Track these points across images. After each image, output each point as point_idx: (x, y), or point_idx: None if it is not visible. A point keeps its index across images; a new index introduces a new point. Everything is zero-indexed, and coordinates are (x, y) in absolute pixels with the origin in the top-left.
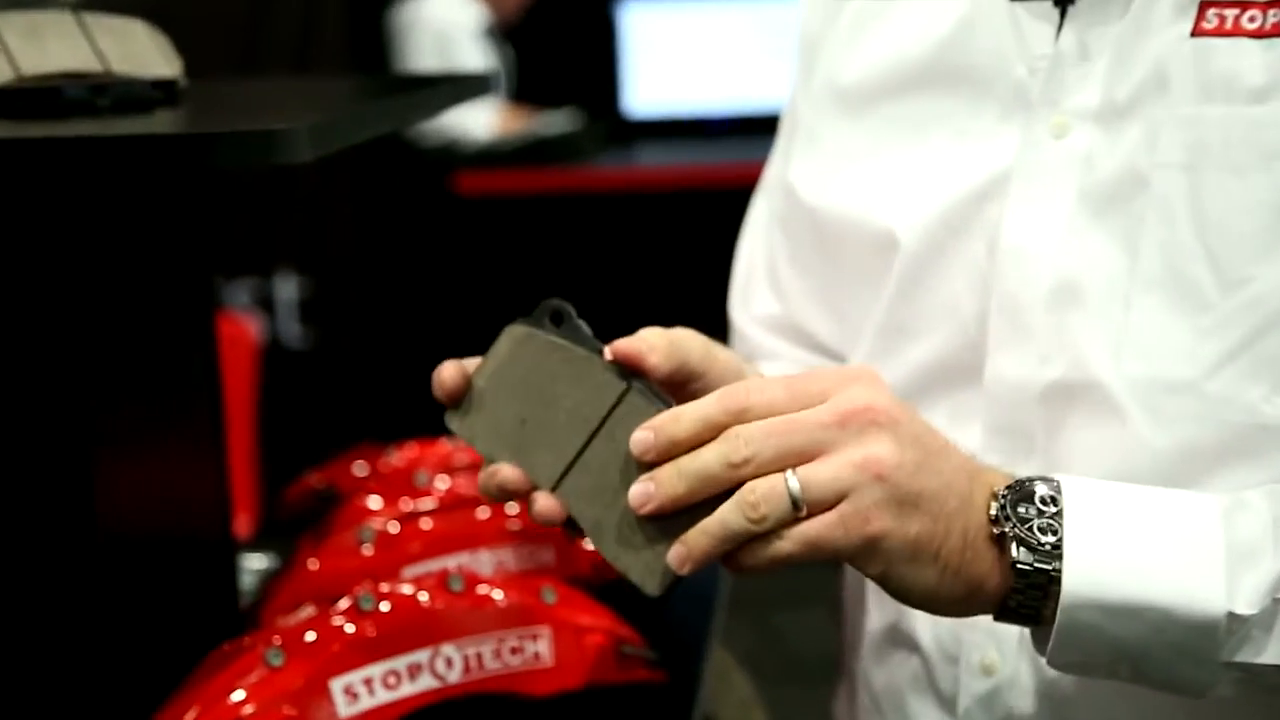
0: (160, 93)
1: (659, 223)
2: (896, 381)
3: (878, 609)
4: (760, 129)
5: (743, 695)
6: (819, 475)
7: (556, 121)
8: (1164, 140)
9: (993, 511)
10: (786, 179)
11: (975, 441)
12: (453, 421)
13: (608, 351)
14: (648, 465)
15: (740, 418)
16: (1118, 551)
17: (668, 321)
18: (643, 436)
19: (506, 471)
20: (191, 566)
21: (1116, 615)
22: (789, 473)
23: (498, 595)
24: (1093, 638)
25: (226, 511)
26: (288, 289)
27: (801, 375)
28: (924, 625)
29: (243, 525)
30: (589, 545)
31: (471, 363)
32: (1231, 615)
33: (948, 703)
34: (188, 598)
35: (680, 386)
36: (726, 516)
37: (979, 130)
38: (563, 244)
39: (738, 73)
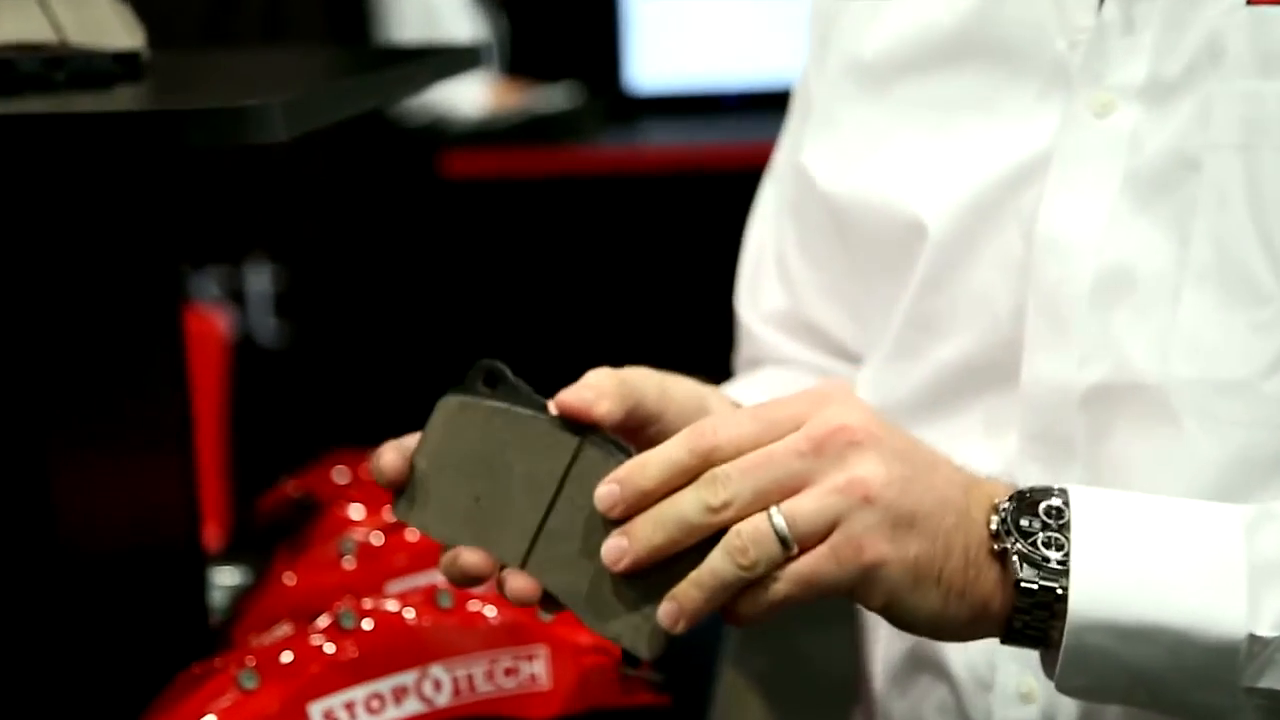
0: (121, 66)
1: (664, 207)
2: (922, 384)
3: (898, 632)
4: (775, 105)
5: None
6: (804, 508)
7: (553, 98)
8: (1218, 118)
9: (993, 525)
10: (799, 163)
11: (1011, 450)
12: (400, 511)
13: (552, 407)
14: (618, 521)
15: (709, 458)
16: (1130, 568)
17: (673, 316)
18: (608, 491)
19: (468, 556)
20: (157, 582)
21: (1129, 638)
22: (773, 510)
23: (490, 612)
24: (1104, 662)
25: (195, 522)
26: (260, 280)
27: (769, 403)
28: (954, 650)
29: (213, 537)
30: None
31: (411, 441)
32: (1253, 638)
33: None
34: (153, 615)
35: (637, 431)
36: (716, 565)
37: (1014, 109)
38: (559, 230)
39: (749, 45)
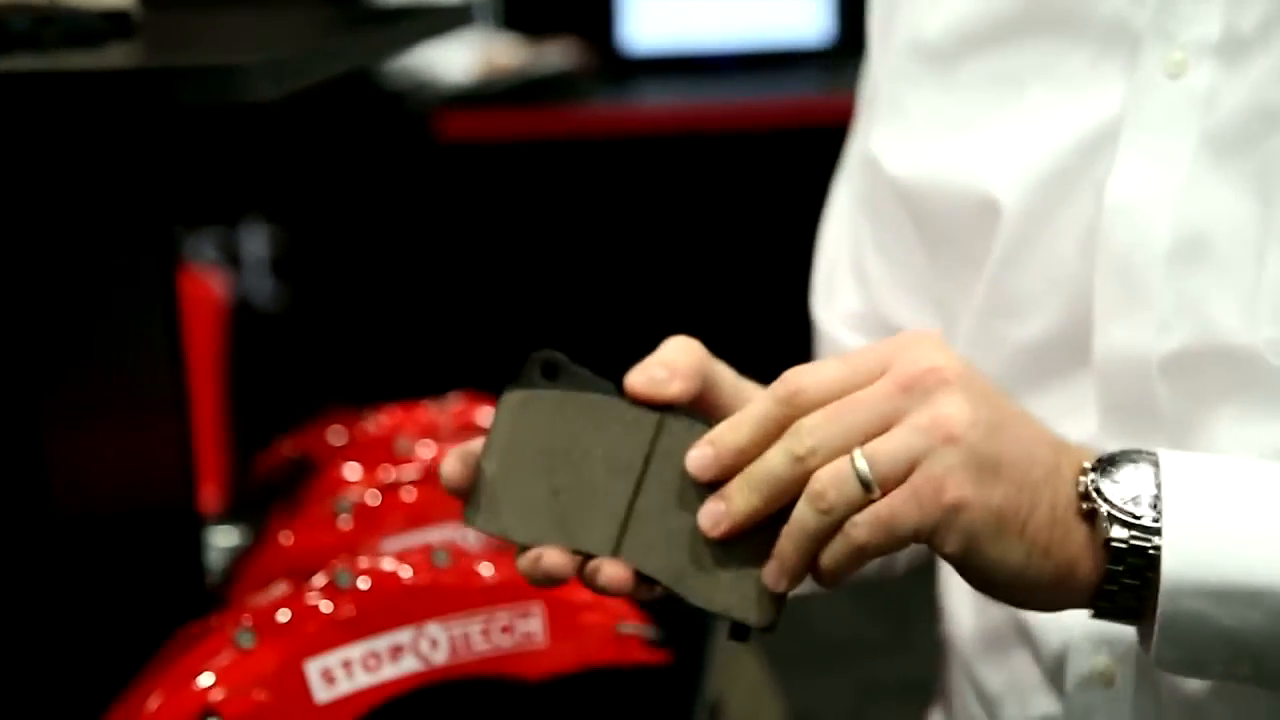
0: (111, 24)
1: (661, 168)
2: (1000, 371)
3: (990, 604)
4: (775, 65)
5: (753, 679)
6: (885, 448)
7: (548, 58)
8: None
9: (1082, 486)
10: (868, 152)
11: (1091, 427)
12: (473, 519)
13: (623, 388)
14: (710, 489)
15: (795, 403)
16: (1225, 528)
17: (672, 278)
18: (700, 454)
19: (552, 556)
20: (154, 543)
21: (1227, 601)
22: (855, 452)
23: (486, 570)
24: (1201, 629)
25: (191, 483)
26: (256, 242)
27: (859, 350)
28: (1036, 623)
29: (209, 498)
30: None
31: (475, 446)
32: None
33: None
34: (150, 576)
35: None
36: (800, 514)
37: (1082, 76)
38: (555, 193)
39: (747, 3)
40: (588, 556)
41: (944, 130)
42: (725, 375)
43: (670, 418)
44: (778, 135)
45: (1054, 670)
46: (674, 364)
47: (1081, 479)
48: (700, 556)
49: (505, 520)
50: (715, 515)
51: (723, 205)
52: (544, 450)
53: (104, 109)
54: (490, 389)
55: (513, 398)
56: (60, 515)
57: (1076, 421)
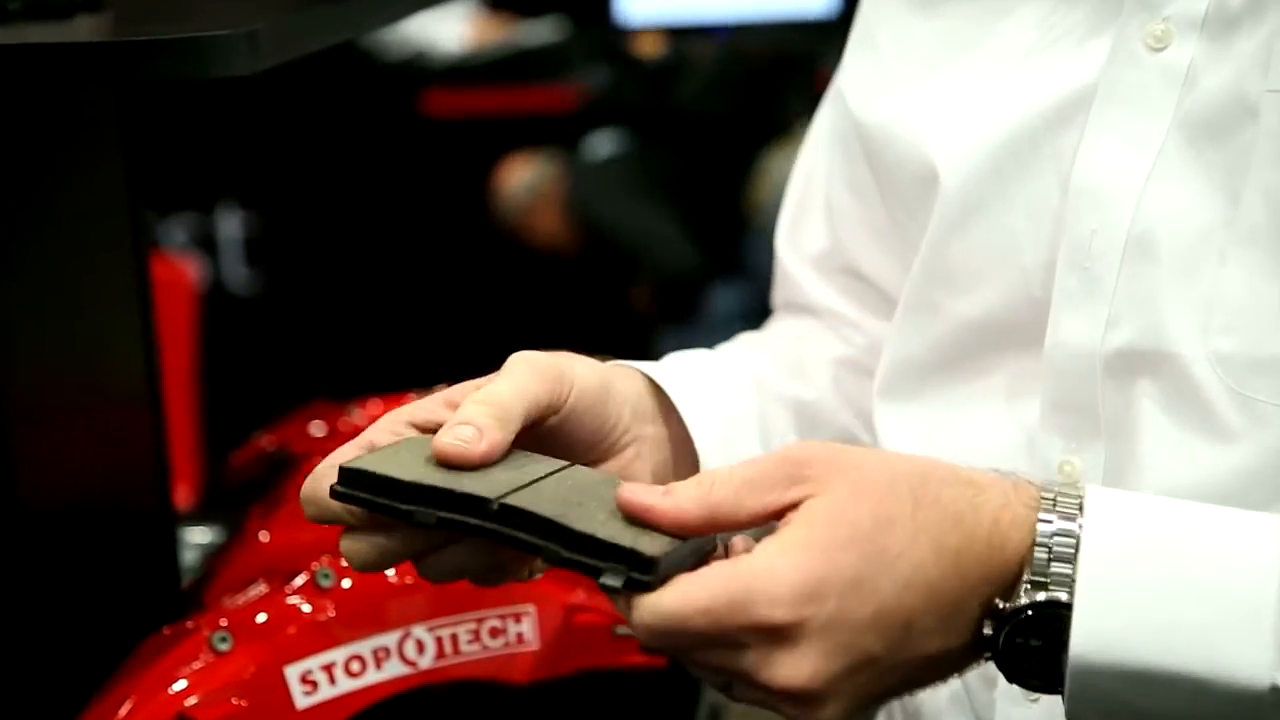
0: None
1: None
2: (941, 341)
3: None
4: (777, 36)
5: None
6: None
7: (539, 32)
8: None
9: (986, 630)
10: (839, 85)
11: (1033, 420)
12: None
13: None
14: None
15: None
16: (1139, 606)
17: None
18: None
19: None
20: (126, 542)
21: (1139, 684)
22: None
23: None
24: (1114, 707)
25: (165, 480)
26: (231, 226)
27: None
28: None
29: (184, 495)
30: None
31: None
32: (1277, 689)
33: None
34: (122, 577)
35: (535, 427)
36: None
37: (1060, 39)
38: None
39: None
40: (455, 513)
41: (910, 75)
42: (585, 379)
43: (578, 468)
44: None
45: (977, 689)
46: (481, 419)
47: (987, 625)
48: (590, 509)
49: (373, 461)
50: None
51: (722, 184)
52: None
53: (73, 84)
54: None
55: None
56: (27, 514)
57: (1018, 407)
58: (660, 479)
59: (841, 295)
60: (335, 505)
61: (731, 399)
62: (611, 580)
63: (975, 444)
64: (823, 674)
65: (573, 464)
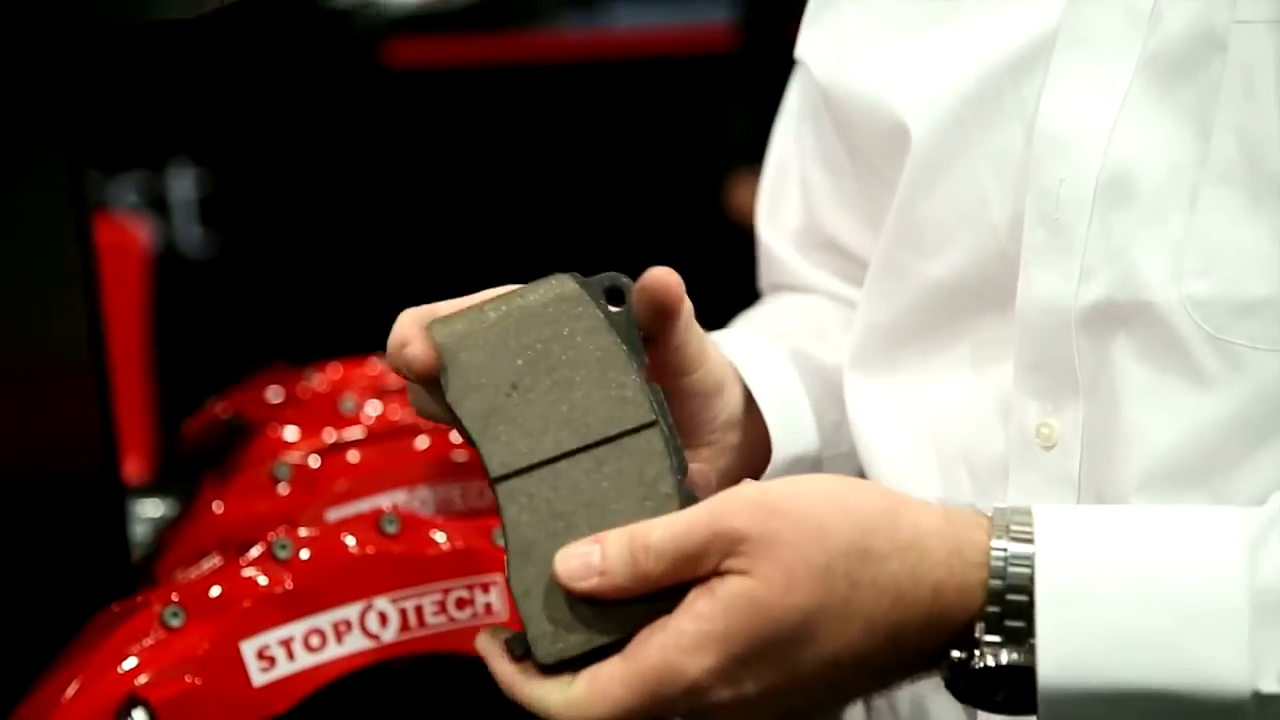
0: None
1: (631, 95)
2: (909, 307)
3: None
4: None
5: None
6: None
7: None
8: None
9: (944, 675)
10: (799, 56)
11: (1005, 383)
12: (438, 329)
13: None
14: (624, 508)
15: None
16: (1104, 625)
17: (640, 212)
18: (580, 566)
19: (417, 345)
20: (72, 516)
21: (1116, 704)
22: None
23: (440, 538)
24: None
25: (113, 451)
26: (183, 185)
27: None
28: None
29: (136, 466)
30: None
31: (452, 305)
32: (1260, 696)
33: (969, 709)
34: (68, 553)
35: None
36: None
37: None
38: (517, 124)
39: None
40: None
41: (873, 36)
42: (714, 359)
43: (660, 429)
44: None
45: None
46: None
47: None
48: (554, 551)
49: (454, 356)
50: (585, 564)
51: (695, 132)
52: (540, 349)
53: (4, 27)
54: None
55: (567, 285)
56: None
57: (989, 372)
58: (726, 479)
59: (828, 272)
60: (401, 364)
61: (793, 387)
62: (513, 645)
63: (948, 413)
64: None
65: (650, 423)
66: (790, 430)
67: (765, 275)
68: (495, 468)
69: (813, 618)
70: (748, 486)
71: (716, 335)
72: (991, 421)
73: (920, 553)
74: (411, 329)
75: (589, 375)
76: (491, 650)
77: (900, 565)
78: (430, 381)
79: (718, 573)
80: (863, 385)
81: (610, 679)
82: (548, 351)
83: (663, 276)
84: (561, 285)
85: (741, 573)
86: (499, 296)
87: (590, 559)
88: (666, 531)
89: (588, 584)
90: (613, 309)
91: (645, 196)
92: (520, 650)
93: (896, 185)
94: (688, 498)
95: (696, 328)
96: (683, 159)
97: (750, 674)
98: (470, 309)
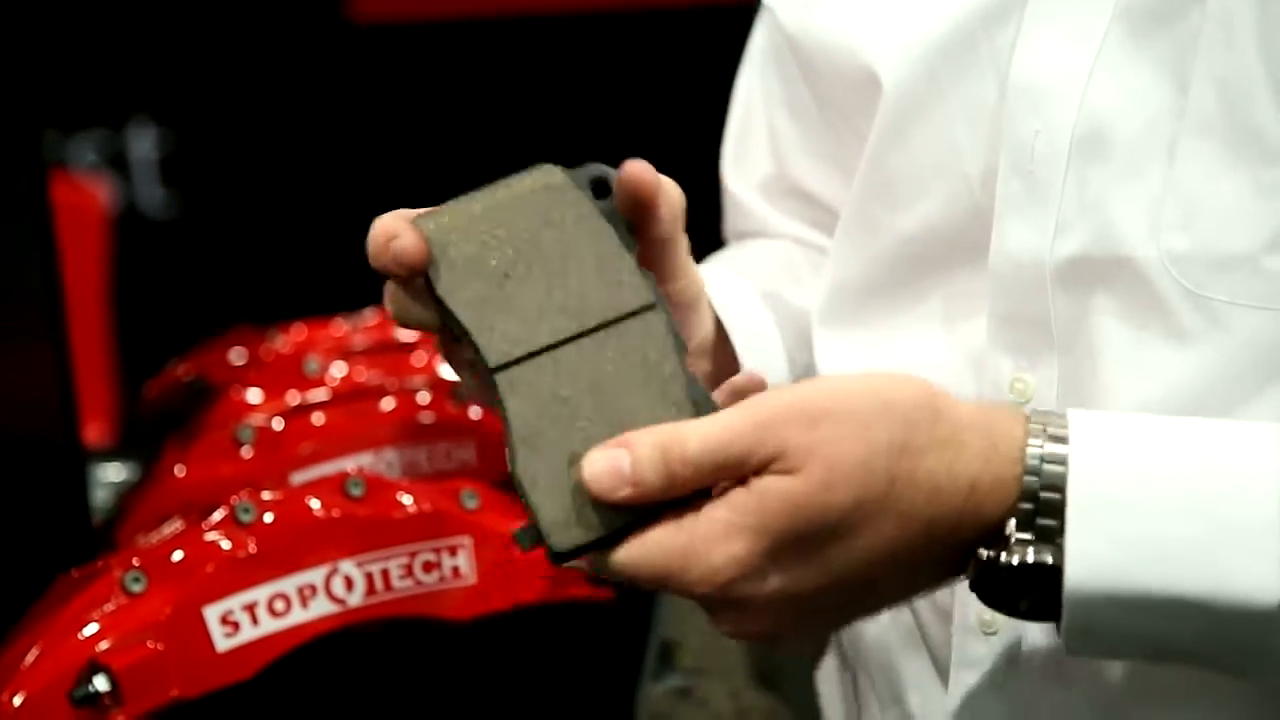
0: None
1: (620, 53)
2: (879, 261)
3: None
4: None
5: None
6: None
7: None
8: None
9: (968, 575)
10: (765, 1)
11: (979, 339)
12: (423, 222)
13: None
14: (636, 391)
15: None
16: (1134, 529)
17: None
18: (613, 469)
19: (406, 238)
20: (31, 481)
21: (1139, 610)
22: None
23: (407, 501)
24: (1115, 634)
25: (72, 414)
26: (144, 144)
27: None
28: None
29: (97, 430)
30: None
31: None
32: None
33: (940, 668)
34: (27, 518)
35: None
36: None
37: None
38: (491, 83)
39: None
40: (471, 346)
41: None
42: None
43: (658, 310)
44: (748, 10)
45: (933, 622)
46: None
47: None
48: (564, 443)
49: (442, 249)
50: (616, 473)
51: (676, 86)
52: (530, 238)
53: None
54: None
55: (554, 175)
56: None
57: (961, 328)
58: None
59: (796, 219)
60: (388, 259)
61: (765, 326)
62: (522, 540)
63: (920, 368)
64: (770, 628)
65: (649, 305)
66: (761, 366)
67: (731, 224)
68: (494, 357)
69: (849, 514)
70: (786, 390)
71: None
72: (964, 377)
73: (958, 448)
74: (397, 222)
75: (583, 261)
76: None
77: (938, 460)
78: (414, 279)
79: (757, 473)
80: (832, 339)
81: (629, 551)
82: (539, 240)
83: (637, 167)
84: (548, 175)
85: (783, 473)
86: (485, 189)
87: (620, 468)
88: (705, 443)
89: (620, 494)
90: (599, 201)
91: (617, 150)
92: (531, 541)
93: (867, 135)
94: (691, 379)
95: (683, 235)
96: (687, 126)
97: (778, 568)
98: (455, 202)
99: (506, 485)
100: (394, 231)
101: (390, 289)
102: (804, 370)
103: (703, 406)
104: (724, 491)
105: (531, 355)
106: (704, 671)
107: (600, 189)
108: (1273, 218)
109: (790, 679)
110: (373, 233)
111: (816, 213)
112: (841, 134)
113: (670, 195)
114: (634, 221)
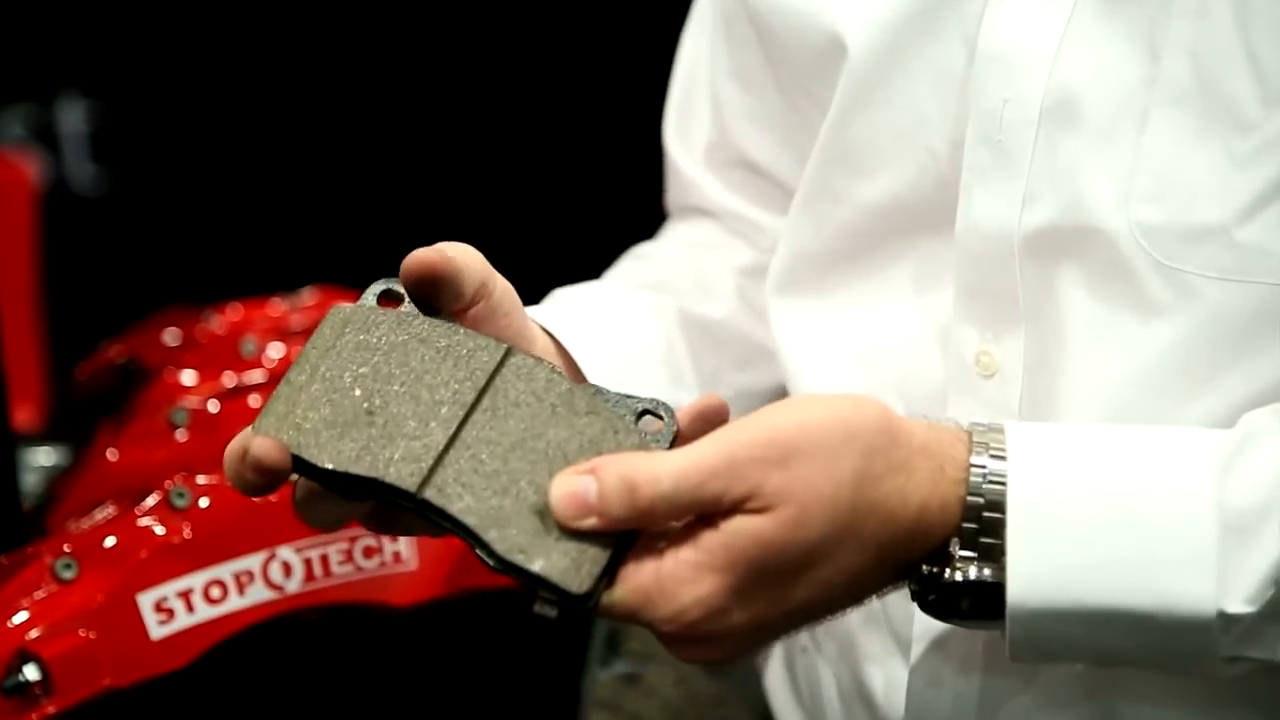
0: None
1: (567, 27)
2: (841, 231)
3: None
4: None
5: None
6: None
7: None
8: None
9: (912, 587)
10: None
11: (944, 310)
12: (263, 424)
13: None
14: (553, 435)
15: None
16: (1073, 544)
17: (620, 162)
18: (580, 490)
19: (262, 444)
20: None
21: (1081, 623)
22: None
23: None
24: (1058, 644)
25: (1, 397)
26: (73, 118)
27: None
28: None
29: (26, 414)
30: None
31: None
32: (1225, 615)
33: (900, 642)
34: None
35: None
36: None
37: None
38: (426, 56)
39: None
40: (387, 495)
41: None
42: (509, 297)
43: (515, 351)
44: None
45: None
46: (446, 249)
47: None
48: (523, 506)
49: (298, 432)
50: (581, 502)
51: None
52: (367, 370)
53: None
54: (351, 282)
55: (341, 311)
56: None
57: (927, 299)
58: None
59: (737, 192)
60: (252, 475)
61: (631, 333)
62: (546, 610)
63: (882, 340)
64: (727, 656)
65: (508, 350)
66: (615, 367)
67: (672, 195)
68: (410, 483)
69: (814, 547)
70: (755, 423)
71: (536, 309)
72: (928, 348)
73: (910, 472)
74: (238, 444)
75: (424, 358)
76: None
77: (892, 485)
78: (283, 480)
79: (727, 513)
80: (790, 309)
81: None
82: (375, 367)
83: (417, 257)
84: (340, 314)
85: (753, 513)
86: (294, 364)
87: (585, 497)
88: (679, 481)
89: (585, 524)
90: (400, 308)
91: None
92: (557, 605)
93: (828, 103)
94: (590, 388)
95: (500, 287)
96: (634, 94)
97: (742, 605)
98: (274, 394)
99: None
100: (241, 449)
101: (297, 504)
102: (731, 373)
103: (609, 397)
104: (691, 528)
105: (440, 457)
106: (651, 657)
107: (392, 296)
108: (1245, 189)
109: (738, 665)
110: (226, 465)
111: (761, 185)
112: (798, 102)
113: (466, 262)
114: (437, 300)
